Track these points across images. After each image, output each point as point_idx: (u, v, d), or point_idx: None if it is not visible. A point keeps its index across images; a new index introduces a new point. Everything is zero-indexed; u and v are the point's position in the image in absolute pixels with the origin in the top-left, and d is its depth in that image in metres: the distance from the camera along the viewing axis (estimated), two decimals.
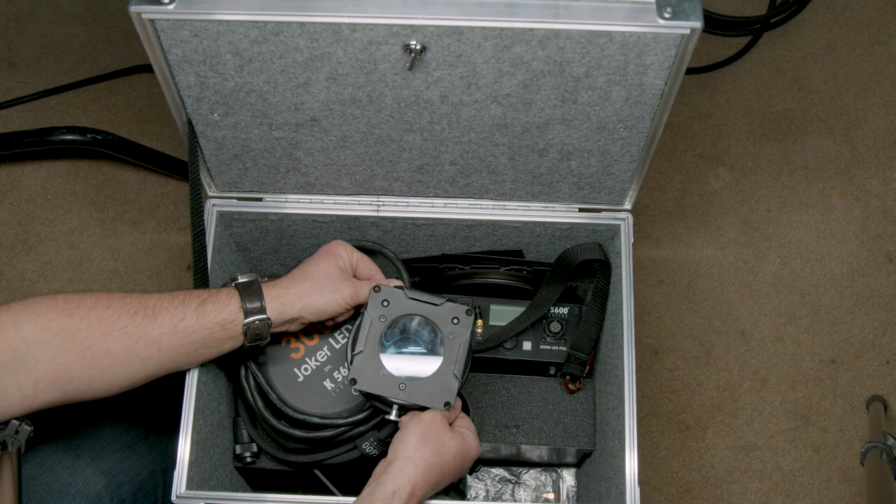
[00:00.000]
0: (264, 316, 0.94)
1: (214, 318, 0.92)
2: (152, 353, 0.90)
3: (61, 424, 1.11)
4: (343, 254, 1.02)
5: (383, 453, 1.09)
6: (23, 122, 1.67)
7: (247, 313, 0.94)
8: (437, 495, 1.18)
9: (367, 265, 1.06)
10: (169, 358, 0.92)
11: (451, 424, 1.00)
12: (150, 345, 0.90)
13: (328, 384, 1.07)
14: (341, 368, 1.07)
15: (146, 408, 1.18)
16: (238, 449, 1.12)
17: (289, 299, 0.96)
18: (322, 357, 1.08)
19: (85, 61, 1.71)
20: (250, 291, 0.95)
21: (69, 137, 1.51)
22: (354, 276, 1.04)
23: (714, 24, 1.73)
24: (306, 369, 1.07)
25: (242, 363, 1.13)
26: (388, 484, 0.91)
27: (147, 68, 1.69)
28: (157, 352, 0.90)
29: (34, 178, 1.64)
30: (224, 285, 1.00)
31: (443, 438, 0.96)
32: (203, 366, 1.04)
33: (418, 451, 0.94)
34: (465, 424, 1.02)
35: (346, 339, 1.08)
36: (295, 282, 0.98)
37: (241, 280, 0.98)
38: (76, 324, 0.87)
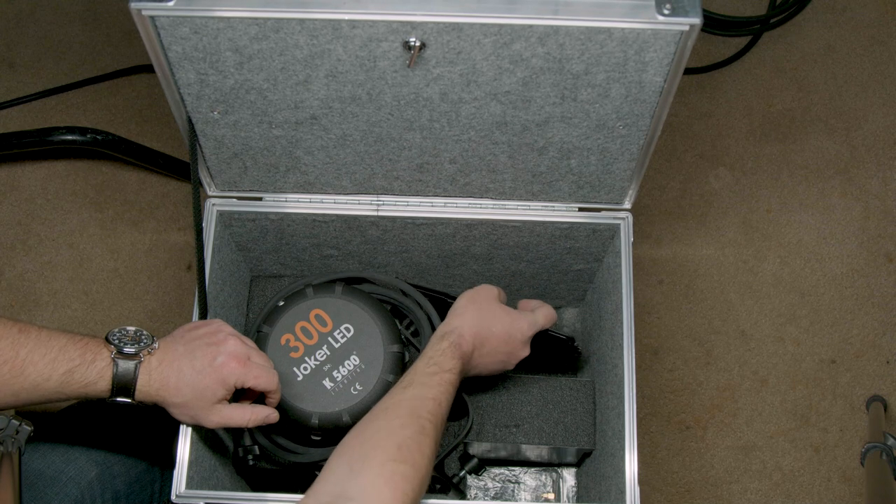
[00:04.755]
0: (129, 401, 0.91)
1: (78, 390, 0.89)
2: (6, 401, 0.88)
3: (59, 414, 1.11)
4: (233, 373, 0.94)
5: None
6: (23, 122, 1.67)
7: (114, 394, 0.90)
8: (437, 495, 1.19)
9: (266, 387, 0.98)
10: (22, 400, 0.89)
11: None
12: (7, 396, 0.87)
13: (327, 383, 1.06)
14: (340, 367, 1.07)
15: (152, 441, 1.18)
16: (240, 451, 1.12)
17: (156, 396, 0.92)
18: (321, 356, 1.07)
19: (85, 61, 1.71)
20: (124, 379, 0.90)
21: (69, 137, 1.51)
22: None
23: (714, 24, 1.73)
24: (305, 368, 1.07)
25: None
26: (437, 331, 1.01)
27: (147, 68, 1.69)
28: (14, 401, 0.88)
29: (34, 178, 1.64)
30: (109, 337, 0.91)
31: (490, 306, 1.03)
32: None
33: (466, 309, 1.02)
34: (532, 307, 1.08)
35: (345, 339, 1.08)
36: (169, 388, 0.92)
37: (121, 345, 0.91)
38: None
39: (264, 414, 0.98)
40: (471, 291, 1.05)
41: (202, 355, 0.92)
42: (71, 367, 0.88)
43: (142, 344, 0.91)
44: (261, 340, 1.08)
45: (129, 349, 0.90)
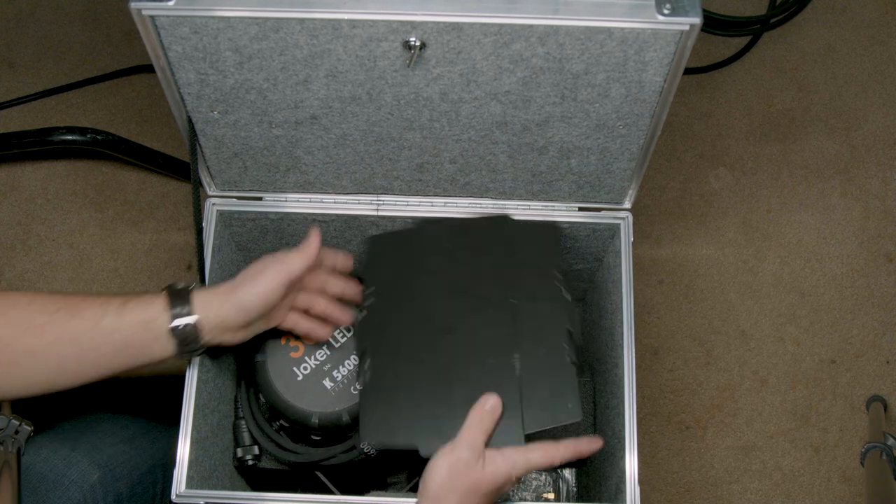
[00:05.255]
0: (190, 320, 0.90)
1: (136, 317, 0.88)
2: (72, 352, 0.87)
3: (61, 416, 1.11)
4: (280, 256, 0.95)
5: (382, 453, 1.09)
6: (23, 122, 1.67)
7: (173, 315, 0.89)
8: None
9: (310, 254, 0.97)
10: (90, 359, 0.88)
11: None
12: (69, 343, 0.86)
13: (328, 383, 1.06)
14: (340, 367, 1.07)
15: (149, 399, 1.18)
16: (239, 452, 1.12)
17: (215, 300, 0.92)
18: (321, 356, 1.07)
19: (85, 61, 1.71)
20: (178, 294, 0.90)
21: (69, 137, 1.51)
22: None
23: (714, 24, 1.73)
24: (305, 368, 1.07)
25: (242, 375, 1.14)
26: None
27: (147, 68, 1.69)
28: (77, 351, 0.87)
29: (34, 178, 1.64)
30: (164, 288, 0.94)
31: (468, 481, 0.88)
32: (203, 365, 1.04)
33: (446, 497, 0.87)
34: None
35: (345, 339, 1.08)
36: (225, 284, 0.94)
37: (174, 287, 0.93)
38: None
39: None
40: (450, 458, 0.88)
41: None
42: (125, 299, 0.88)
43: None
44: (260, 340, 1.08)
45: (179, 285, 0.93)
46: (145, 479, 1.10)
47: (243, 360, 1.13)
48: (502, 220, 1.09)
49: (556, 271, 1.03)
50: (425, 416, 0.95)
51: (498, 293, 1.01)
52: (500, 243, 1.06)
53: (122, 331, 0.87)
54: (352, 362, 1.07)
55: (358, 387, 1.02)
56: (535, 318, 0.99)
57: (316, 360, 1.07)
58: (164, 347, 0.90)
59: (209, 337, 0.92)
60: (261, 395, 1.10)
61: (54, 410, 1.07)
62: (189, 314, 0.89)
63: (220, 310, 0.91)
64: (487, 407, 0.92)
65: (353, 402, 1.06)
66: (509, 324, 0.99)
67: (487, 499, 0.89)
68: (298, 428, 1.08)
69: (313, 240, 0.96)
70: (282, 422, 1.10)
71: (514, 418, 0.93)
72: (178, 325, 0.89)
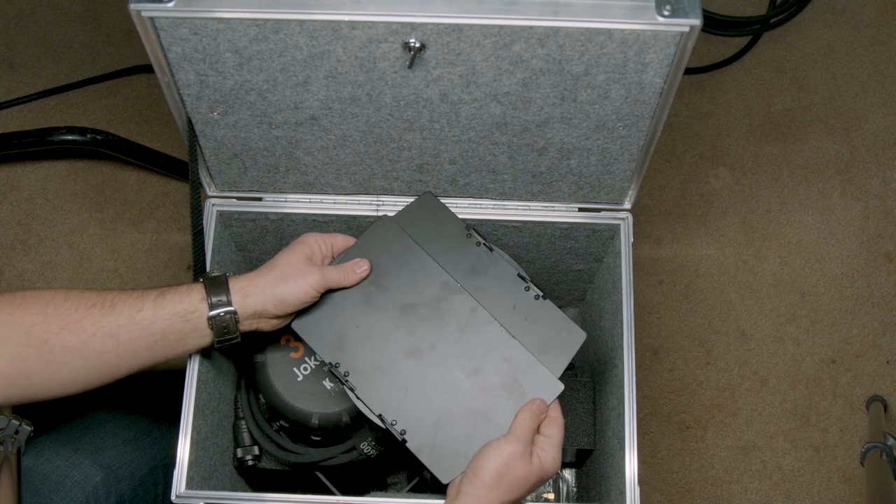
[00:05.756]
0: (230, 308, 0.90)
1: (174, 308, 0.89)
2: (110, 347, 0.87)
3: (63, 417, 1.11)
4: (312, 243, 0.98)
5: (381, 453, 1.09)
6: (23, 122, 1.67)
7: (211, 305, 0.90)
8: (435, 495, 1.18)
9: (344, 243, 1.01)
10: (128, 352, 0.88)
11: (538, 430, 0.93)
12: (107, 337, 0.87)
13: (327, 383, 1.06)
14: None
15: (151, 400, 1.18)
16: (239, 452, 1.12)
17: (252, 290, 0.92)
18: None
19: (85, 61, 1.71)
20: (216, 283, 0.91)
21: (69, 137, 1.51)
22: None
23: (714, 24, 1.73)
24: (305, 369, 1.07)
25: (241, 376, 1.14)
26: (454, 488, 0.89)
27: (147, 68, 1.69)
28: (116, 345, 0.87)
29: (34, 178, 1.64)
30: (198, 278, 0.95)
31: (519, 473, 0.88)
32: (203, 365, 1.04)
33: (491, 491, 0.87)
34: (552, 433, 0.93)
35: None
36: (259, 274, 0.94)
37: (209, 275, 0.94)
38: (33, 318, 0.85)
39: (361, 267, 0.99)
40: (500, 457, 0.89)
41: (282, 250, 0.97)
42: (161, 291, 0.89)
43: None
44: (260, 340, 1.08)
45: (214, 273, 0.93)
46: (147, 480, 1.10)
47: (243, 360, 1.13)
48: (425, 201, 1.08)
49: (466, 231, 1.02)
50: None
51: (451, 277, 1.01)
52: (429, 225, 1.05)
53: (159, 322, 0.88)
54: None
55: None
56: (488, 283, 1.00)
57: (316, 360, 1.07)
58: (202, 337, 0.91)
59: (246, 325, 0.93)
60: (260, 396, 1.10)
61: (55, 411, 1.07)
62: (227, 304, 0.90)
63: (258, 299, 0.92)
64: (535, 408, 0.93)
65: (353, 403, 1.02)
66: (472, 299, 0.99)
67: (530, 490, 0.91)
68: (298, 428, 1.08)
69: (362, 270, 0.99)
70: (282, 422, 1.10)
71: (540, 372, 0.96)
72: (217, 315, 0.90)
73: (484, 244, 1.01)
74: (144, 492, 1.09)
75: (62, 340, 0.86)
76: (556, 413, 0.95)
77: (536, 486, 0.91)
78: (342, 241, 1.01)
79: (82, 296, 0.88)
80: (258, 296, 0.92)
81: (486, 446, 0.90)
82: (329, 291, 0.98)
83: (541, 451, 0.91)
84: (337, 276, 0.97)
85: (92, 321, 0.86)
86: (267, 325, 0.95)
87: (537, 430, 0.93)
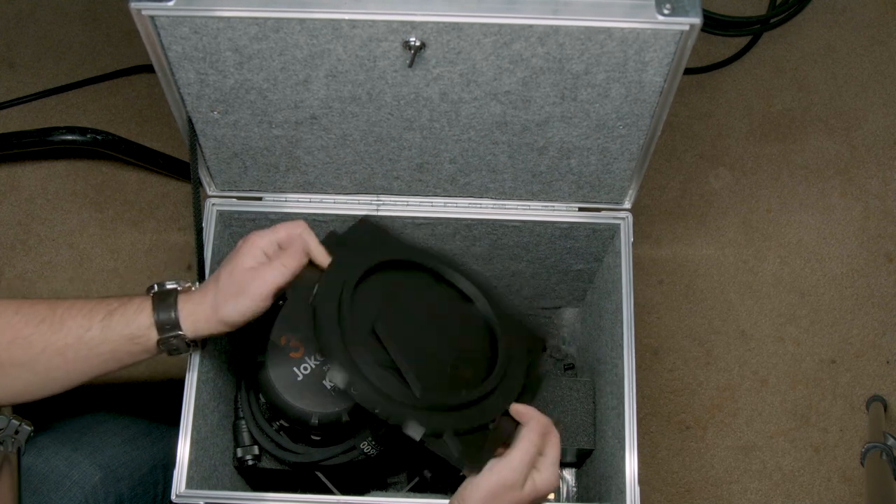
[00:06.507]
0: (179, 332, 0.87)
1: (121, 332, 0.86)
2: (58, 364, 0.86)
3: (63, 417, 1.11)
4: (257, 241, 0.89)
5: (382, 452, 1.09)
6: (23, 122, 1.67)
7: (160, 328, 0.86)
8: (435, 495, 1.18)
9: (289, 229, 0.91)
10: (78, 370, 0.87)
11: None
12: (55, 356, 0.85)
13: (328, 383, 1.05)
14: None
15: (150, 400, 1.18)
16: (239, 452, 1.12)
17: (201, 315, 0.87)
18: (321, 356, 1.05)
19: (85, 61, 1.71)
20: (165, 304, 0.87)
21: (69, 137, 1.51)
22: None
23: (714, 24, 1.73)
24: (305, 368, 1.06)
25: (241, 375, 1.14)
26: None
27: (147, 68, 1.69)
28: (64, 363, 0.85)
29: (34, 178, 1.64)
30: (149, 289, 0.91)
31: (513, 496, 0.85)
32: (203, 365, 1.04)
33: None
34: (548, 452, 0.89)
35: None
36: (209, 294, 0.88)
37: (159, 288, 0.90)
38: None
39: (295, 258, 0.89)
40: (492, 480, 0.85)
41: (224, 260, 0.91)
42: (109, 310, 0.86)
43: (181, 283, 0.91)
44: (260, 340, 1.07)
45: (168, 285, 0.90)
46: (146, 479, 1.10)
47: (243, 360, 1.13)
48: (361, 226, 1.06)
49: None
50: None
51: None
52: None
53: (107, 343, 0.86)
54: None
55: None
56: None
57: (316, 359, 1.06)
58: (150, 354, 0.89)
59: (197, 339, 0.90)
60: (261, 396, 1.10)
61: (55, 411, 1.07)
62: (175, 327, 0.87)
63: (207, 322, 0.88)
64: (541, 430, 0.89)
65: (353, 403, 1.04)
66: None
67: None
68: (298, 428, 1.07)
69: (312, 247, 0.91)
70: (282, 422, 1.09)
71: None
72: (166, 339, 0.87)
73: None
74: (144, 491, 1.09)
75: (11, 356, 0.85)
76: (552, 429, 0.91)
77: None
78: (285, 232, 0.91)
79: (33, 309, 0.86)
80: (206, 319, 0.88)
81: (484, 469, 0.86)
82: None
83: (537, 473, 0.87)
84: (279, 274, 0.88)
85: (40, 338, 0.85)
86: (221, 334, 0.91)
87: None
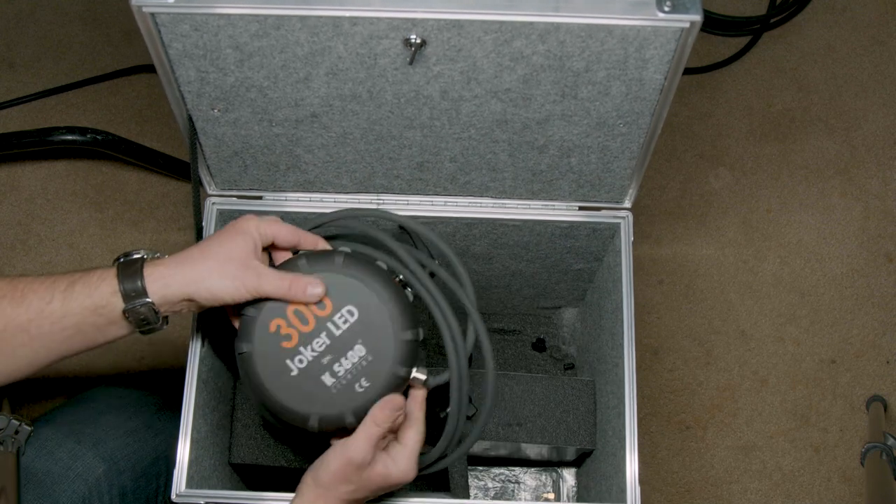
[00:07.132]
0: (146, 300, 0.81)
1: (83, 303, 0.81)
2: (23, 341, 0.82)
3: (65, 410, 1.11)
4: (254, 232, 0.86)
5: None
6: (23, 122, 1.67)
7: (125, 296, 0.81)
8: (436, 494, 1.18)
9: (286, 233, 0.89)
10: (43, 346, 0.83)
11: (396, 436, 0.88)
12: (18, 332, 0.81)
13: (328, 379, 0.86)
14: (343, 359, 0.86)
15: (152, 391, 1.18)
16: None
17: (174, 280, 0.82)
18: (320, 346, 0.86)
19: (85, 61, 1.71)
20: (129, 271, 0.82)
21: (69, 137, 1.51)
22: (273, 248, 0.90)
23: (714, 24, 1.73)
24: (301, 361, 0.86)
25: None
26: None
27: (147, 69, 1.69)
28: (28, 339, 0.82)
29: (34, 178, 1.64)
30: (115, 261, 0.85)
31: (363, 474, 0.85)
32: (203, 364, 1.04)
33: (336, 487, 0.85)
34: (408, 440, 0.88)
35: (348, 324, 0.87)
36: (189, 261, 0.83)
37: (126, 258, 0.85)
38: None
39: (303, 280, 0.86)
40: (344, 454, 0.85)
41: (217, 234, 0.87)
42: (71, 280, 0.82)
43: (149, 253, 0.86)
44: (245, 326, 0.88)
45: (135, 255, 0.85)
46: (149, 471, 1.10)
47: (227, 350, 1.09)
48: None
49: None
50: None
51: None
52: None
53: (70, 317, 0.82)
54: (356, 353, 0.86)
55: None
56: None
57: (313, 350, 0.87)
58: (120, 329, 0.84)
59: (170, 312, 0.85)
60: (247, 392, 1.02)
61: (57, 404, 1.06)
62: (143, 295, 0.82)
63: (186, 288, 0.83)
64: (388, 410, 0.86)
65: (359, 402, 0.86)
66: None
67: (378, 493, 0.88)
68: (294, 431, 0.93)
69: (314, 293, 0.86)
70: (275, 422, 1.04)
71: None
72: (133, 307, 0.82)
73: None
74: (146, 483, 1.09)
75: None
76: (419, 413, 0.88)
77: (381, 491, 0.88)
78: (286, 235, 0.89)
79: None
80: (181, 288, 0.83)
81: (335, 445, 0.86)
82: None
83: (390, 461, 0.86)
84: (277, 288, 0.85)
85: (2, 314, 0.81)
86: (195, 308, 0.86)
87: (394, 433, 0.88)
